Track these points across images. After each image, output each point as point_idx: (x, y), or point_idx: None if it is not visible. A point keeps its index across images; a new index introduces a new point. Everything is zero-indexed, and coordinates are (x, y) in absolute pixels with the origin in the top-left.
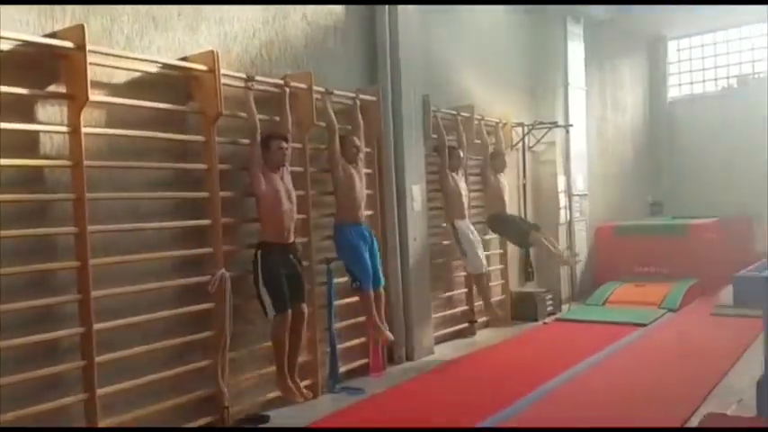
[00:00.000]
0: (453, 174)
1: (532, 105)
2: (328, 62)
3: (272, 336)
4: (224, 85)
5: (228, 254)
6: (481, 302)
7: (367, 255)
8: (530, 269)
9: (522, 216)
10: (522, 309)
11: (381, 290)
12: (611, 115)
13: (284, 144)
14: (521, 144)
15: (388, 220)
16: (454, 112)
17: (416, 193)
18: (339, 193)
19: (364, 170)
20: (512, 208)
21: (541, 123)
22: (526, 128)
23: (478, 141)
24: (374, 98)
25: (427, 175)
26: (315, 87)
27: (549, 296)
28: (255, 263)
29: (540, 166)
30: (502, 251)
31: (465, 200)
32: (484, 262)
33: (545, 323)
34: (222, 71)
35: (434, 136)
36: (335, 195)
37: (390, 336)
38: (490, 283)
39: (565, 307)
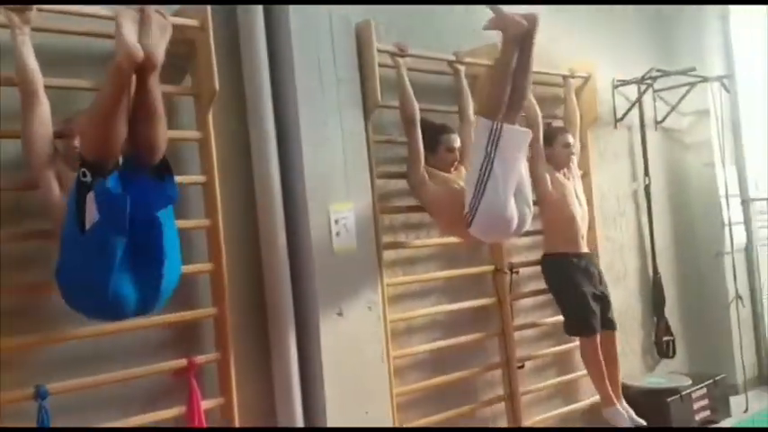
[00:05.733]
0: (444, 174)
1: (659, 48)
2: None
3: None
4: None
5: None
6: None
7: None
8: (667, 338)
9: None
10: (645, 417)
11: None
12: None
13: None
14: (636, 114)
15: (269, 276)
16: (449, 58)
17: (346, 219)
18: None
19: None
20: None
21: (665, 73)
22: (643, 85)
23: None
24: (194, 23)
25: (385, 182)
26: None
27: (702, 391)
28: None
29: (685, 155)
30: None
31: None
32: None
33: None
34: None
35: (384, 104)
36: None
37: None
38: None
39: (738, 403)
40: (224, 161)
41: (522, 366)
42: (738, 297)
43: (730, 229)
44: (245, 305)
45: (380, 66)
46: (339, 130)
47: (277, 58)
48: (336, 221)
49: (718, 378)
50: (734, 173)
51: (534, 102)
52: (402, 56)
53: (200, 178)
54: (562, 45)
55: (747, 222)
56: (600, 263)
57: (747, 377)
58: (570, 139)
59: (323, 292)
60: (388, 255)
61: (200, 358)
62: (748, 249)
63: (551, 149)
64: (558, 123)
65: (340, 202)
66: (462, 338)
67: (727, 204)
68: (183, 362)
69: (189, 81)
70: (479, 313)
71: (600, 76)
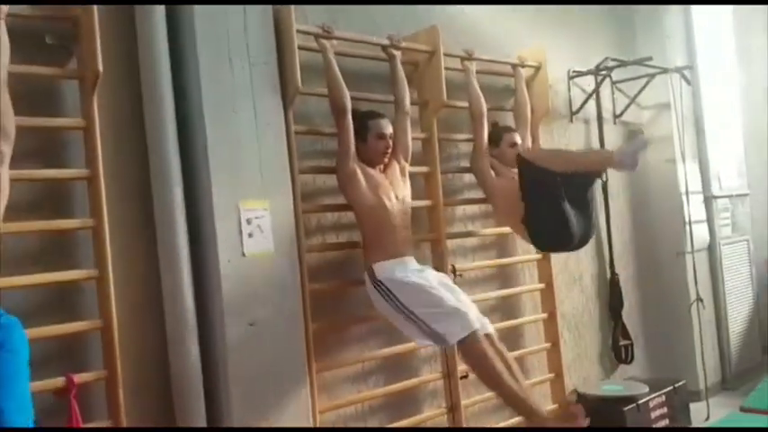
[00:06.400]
0: (370, 169)
1: (618, 38)
2: None
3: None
4: None
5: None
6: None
7: None
8: (623, 343)
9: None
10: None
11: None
12: None
13: None
14: (593, 107)
15: (167, 281)
16: (383, 42)
17: (260, 219)
18: None
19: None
20: None
21: (621, 63)
22: (599, 75)
23: (463, 105)
24: None
25: (312, 178)
26: None
27: (660, 399)
28: None
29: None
30: (546, 315)
31: (398, 221)
32: (474, 312)
33: None
34: None
35: (308, 91)
36: None
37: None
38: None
39: (698, 410)
40: (113, 153)
41: (466, 376)
42: (699, 299)
43: (691, 228)
44: (137, 315)
45: (304, 49)
46: (252, 118)
47: (178, 37)
48: (248, 221)
49: (677, 385)
50: (696, 169)
51: (479, 93)
52: (328, 38)
53: (84, 172)
54: (512, 32)
55: (710, 220)
56: (553, 264)
57: (709, 383)
58: (517, 138)
59: (230, 299)
60: (315, 258)
61: (82, 376)
62: (711, 249)
63: (498, 150)
64: (504, 122)
65: (253, 200)
66: (400, 347)
67: (689, 202)
68: (61, 380)
69: (76, 63)
70: None
71: (555, 67)
